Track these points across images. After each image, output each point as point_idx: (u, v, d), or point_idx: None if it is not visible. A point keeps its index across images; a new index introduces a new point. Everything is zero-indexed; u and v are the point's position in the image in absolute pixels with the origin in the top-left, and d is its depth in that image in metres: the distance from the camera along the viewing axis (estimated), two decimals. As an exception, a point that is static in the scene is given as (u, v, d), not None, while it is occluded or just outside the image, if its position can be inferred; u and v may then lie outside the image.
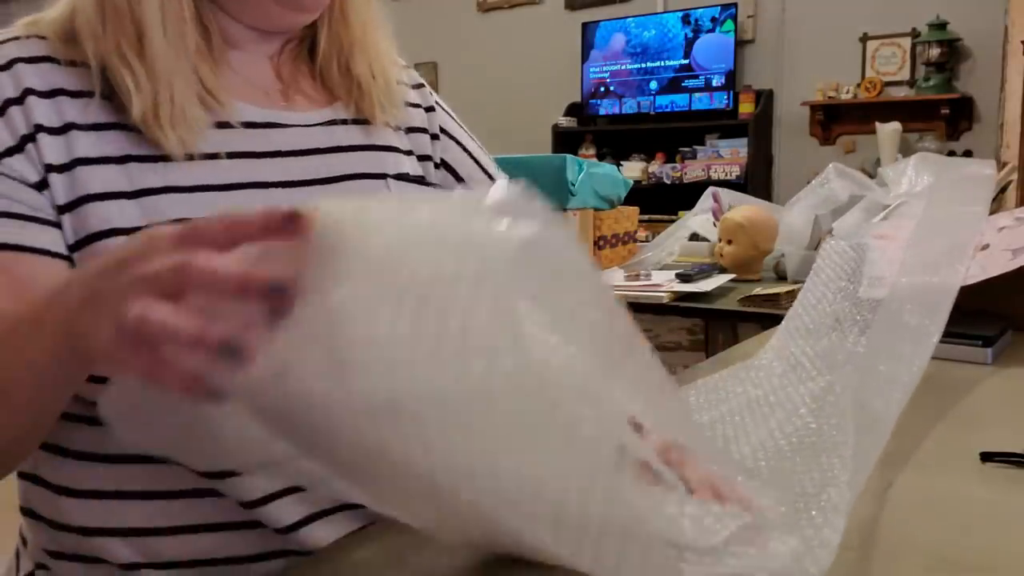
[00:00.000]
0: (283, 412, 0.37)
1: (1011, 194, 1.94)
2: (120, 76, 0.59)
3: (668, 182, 4.54)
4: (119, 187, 0.59)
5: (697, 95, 4.52)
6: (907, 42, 4.01)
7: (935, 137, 3.95)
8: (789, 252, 1.83)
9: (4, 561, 0.73)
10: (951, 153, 3.86)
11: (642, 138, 4.75)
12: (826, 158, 3.09)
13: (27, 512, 0.66)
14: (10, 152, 0.58)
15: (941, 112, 3.88)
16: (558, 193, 1.78)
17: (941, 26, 3.81)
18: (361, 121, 0.74)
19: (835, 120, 4.28)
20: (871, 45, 4.12)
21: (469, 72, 5.31)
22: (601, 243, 1.98)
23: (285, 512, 0.62)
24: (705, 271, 1.81)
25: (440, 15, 5.40)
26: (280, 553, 0.63)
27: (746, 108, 4.36)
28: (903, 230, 1.04)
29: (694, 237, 2.15)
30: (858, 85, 4.12)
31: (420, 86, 0.82)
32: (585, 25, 4.83)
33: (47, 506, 0.64)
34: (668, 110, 4.62)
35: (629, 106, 4.75)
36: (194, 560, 0.61)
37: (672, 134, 4.61)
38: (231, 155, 0.64)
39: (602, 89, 4.82)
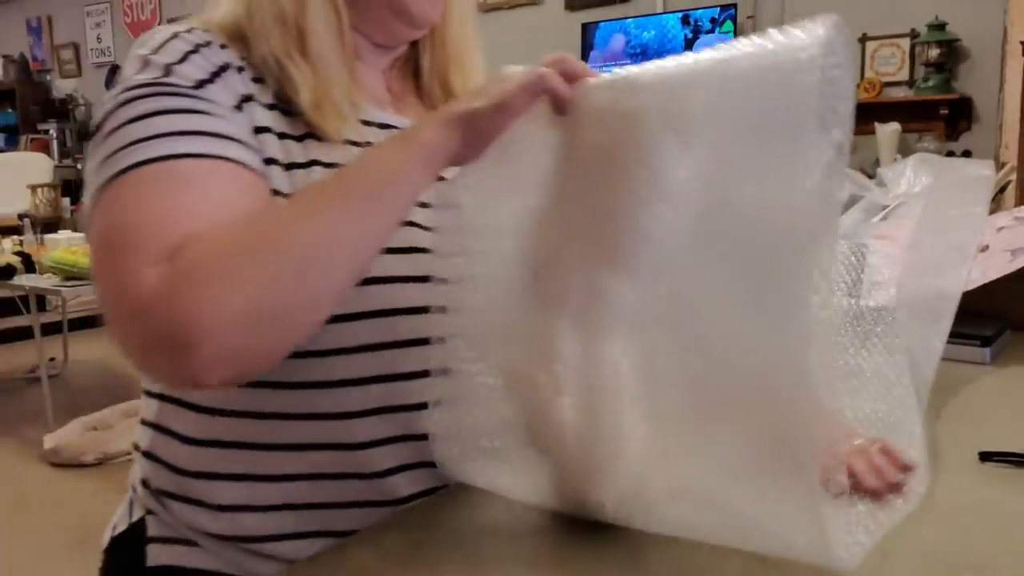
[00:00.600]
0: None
1: (1010, 194, 1.94)
2: (290, 71, 0.70)
3: (668, 182, 4.54)
4: (276, 156, 0.68)
5: (697, 95, 4.51)
6: (906, 43, 4.01)
7: (934, 137, 3.95)
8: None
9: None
10: (950, 153, 3.86)
11: (642, 138, 4.74)
12: (826, 158, 3.09)
13: (148, 455, 0.75)
14: (236, 108, 0.68)
15: (940, 112, 3.88)
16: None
17: (940, 27, 3.81)
18: None
19: (835, 120, 4.27)
20: (870, 46, 4.11)
21: (469, 73, 5.30)
22: (601, 244, 1.97)
23: (381, 459, 0.70)
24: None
25: (440, 16, 5.39)
26: (372, 503, 0.70)
27: (746, 108, 4.36)
28: (903, 230, 1.04)
29: (694, 237, 2.15)
30: (857, 85, 4.12)
31: None
32: (585, 26, 4.83)
33: (167, 450, 0.73)
34: (668, 110, 4.61)
35: (629, 106, 4.74)
36: (289, 504, 0.70)
37: (672, 134, 4.60)
38: (360, 144, 0.74)
39: (602, 89, 4.82)
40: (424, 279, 0.67)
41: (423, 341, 0.68)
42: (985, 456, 0.68)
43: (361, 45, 0.78)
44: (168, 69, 0.66)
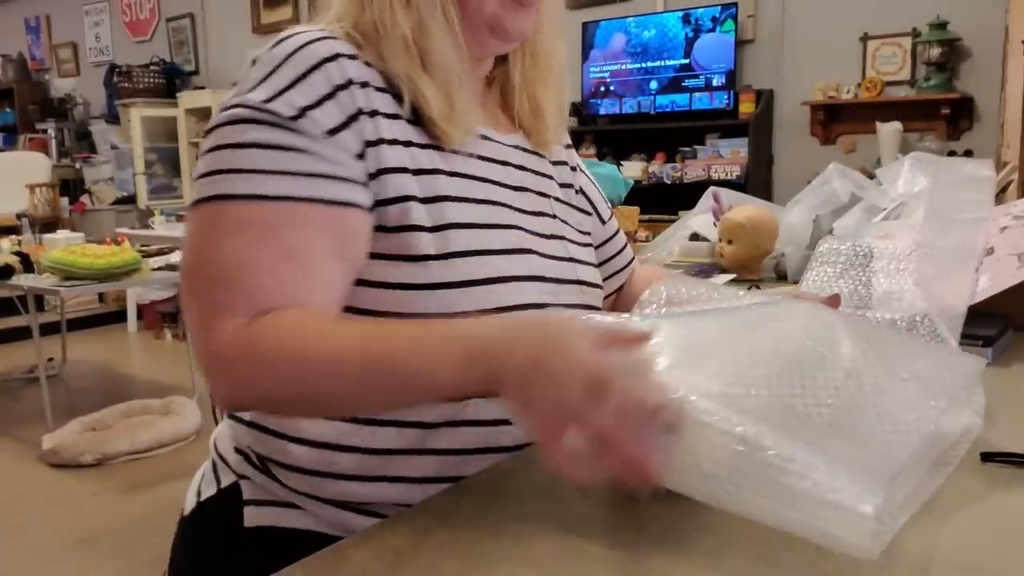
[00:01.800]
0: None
1: (1011, 194, 1.93)
2: (420, 86, 0.75)
3: (668, 182, 4.54)
4: (404, 163, 0.74)
5: (697, 95, 4.51)
6: (907, 42, 4.01)
7: (936, 137, 3.95)
8: (789, 252, 1.82)
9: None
10: (951, 153, 3.85)
11: (642, 138, 4.75)
12: (826, 158, 3.09)
13: (254, 425, 0.79)
14: (342, 128, 0.72)
15: (942, 112, 3.88)
16: (558, 193, 1.77)
17: (941, 26, 3.81)
18: (534, 152, 0.90)
19: (835, 120, 4.28)
20: (871, 45, 4.11)
21: (469, 72, 5.30)
22: (601, 243, 1.97)
23: (453, 439, 0.75)
24: (705, 271, 1.81)
25: (440, 15, 5.40)
26: (443, 479, 0.74)
27: (746, 108, 4.36)
28: (906, 230, 1.04)
29: (694, 237, 2.14)
30: (858, 85, 4.12)
31: (570, 147, 1.00)
32: (585, 25, 4.83)
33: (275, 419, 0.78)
34: (668, 110, 4.61)
35: (629, 106, 4.75)
36: (366, 476, 0.75)
37: (672, 134, 4.61)
38: (477, 156, 0.82)
39: (602, 89, 4.82)
40: (534, 278, 0.78)
41: None
42: (987, 457, 0.68)
43: (462, 61, 0.80)
44: (302, 112, 0.70)
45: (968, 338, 0.94)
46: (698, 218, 2.19)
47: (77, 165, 7.48)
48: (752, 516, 0.53)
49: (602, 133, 4.92)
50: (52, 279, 3.45)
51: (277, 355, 0.64)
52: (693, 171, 4.46)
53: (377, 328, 0.67)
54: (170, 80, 7.12)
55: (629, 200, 2.14)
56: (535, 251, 0.81)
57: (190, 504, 0.84)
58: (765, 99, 4.37)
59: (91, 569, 2.40)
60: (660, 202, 4.14)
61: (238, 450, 0.81)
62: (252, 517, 0.78)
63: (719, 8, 4.37)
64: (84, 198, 6.80)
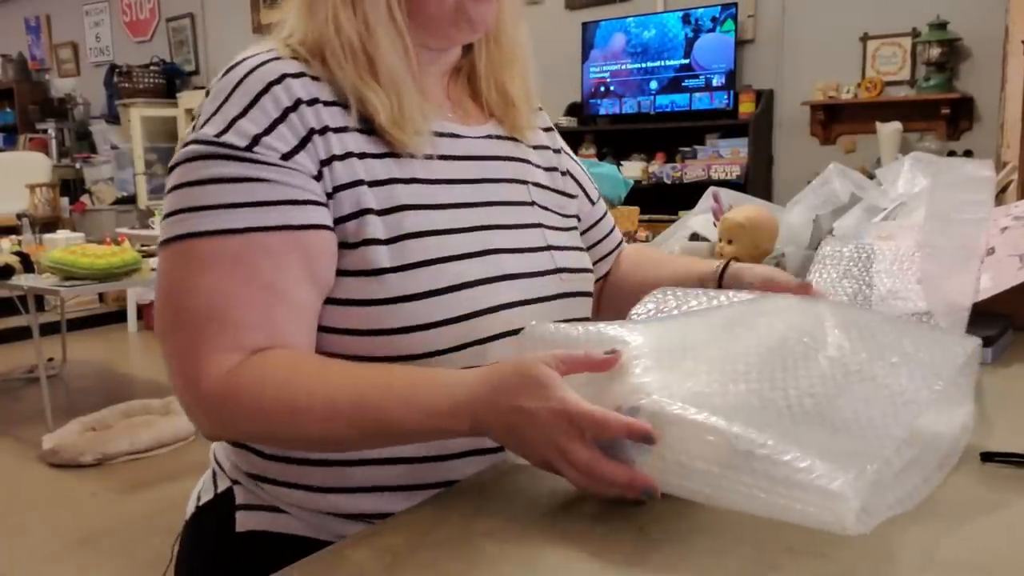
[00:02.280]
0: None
1: (1012, 194, 1.93)
2: (367, 95, 0.74)
3: (668, 182, 4.54)
4: (359, 176, 0.74)
5: (697, 95, 4.51)
6: (907, 42, 4.01)
7: (936, 137, 3.95)
8: (789, 252, 1.82)
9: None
10: (951, 153, 3.85)
11: (642, 138, 4.75)
12: (826, 158, 3.08)
13: (237, 444, 0.80)
14: (296, 151, 0.72)
15: (942, 112, 3.88)
16: (558, 193, 1.77)
17: (941, 26, 3.81)
18: (508, 138, 0.89)
19: (835, 120, 4.28)
20: (871, 45, 4.11)
21: (469, 72, 5.30)
22: (601, 243, 1.97)
23: (430, 446, 0.74)
24: (705, 271, 1.80)
25: (440, 15, 5.40)
26: (425, 486, 0.75)
27: (746, 108, 4.36)
28: (906, 230, 1.03)
29: (694, 237, 2.14)
30: (858, 85, 4.12)
31: (549, 129, 0.98)
32: (585, 25, 4.83)
33: (261, 467, 0.79)
34: (668, 110, 4.61)
35: (629, 106, 4.75)
36: (377, 487, 0.75)
37: (672, 134, 4.61)
38: (438, 157, 0.80)
39: (602, 89, 4.82)
40: (504, 278, 0.78)
41: (505, 335, 0.76)
42: (987, 457, 0.67)
43: (421, 55, 0.80)
44: (255, 140, 0.71)
45: (968, 338, 0.94)
46: (698, 218, 2.18)
47: (77, 165, 7.48)
48: (737, 507, 0.55)
49: (602, 133, 4.91)
50: (52, 279, 3.44)
51: (266, 403, 0.67)
52: (693, 171, 4.46)
53: (366, 378, 0.69)
54: (170, 80, 7.12)
55: (629, 200, 2.14)
56: (505, 249, 0.80)
57: (190, 509, 0.85)
58: (765, 99, 4.37)
59: (91, 569, 2.40)
60: (660, 202, 4.13)
61: (232, 463, 0.83)
62: (244, 522, 0.79)
63: (719, 8, 4.37)
64: (84, 198, 6.80)
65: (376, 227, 0.73)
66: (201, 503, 0.84)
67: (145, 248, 4.11)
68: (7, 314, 4.79)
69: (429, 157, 0.79)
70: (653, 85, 4.66)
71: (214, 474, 0.85)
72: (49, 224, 5.62)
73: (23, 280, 3.52)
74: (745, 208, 1.90)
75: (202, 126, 0.72)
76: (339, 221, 0.73)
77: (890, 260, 1.00)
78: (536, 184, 0.89)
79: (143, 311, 5.53)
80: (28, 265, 3.60)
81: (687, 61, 4.52)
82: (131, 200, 6.68)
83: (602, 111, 4.85)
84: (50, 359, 4.26)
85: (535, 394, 0.60)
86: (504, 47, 0.88)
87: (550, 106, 4.22)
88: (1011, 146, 3.42)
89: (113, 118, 7.38)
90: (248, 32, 6.64)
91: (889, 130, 3.88)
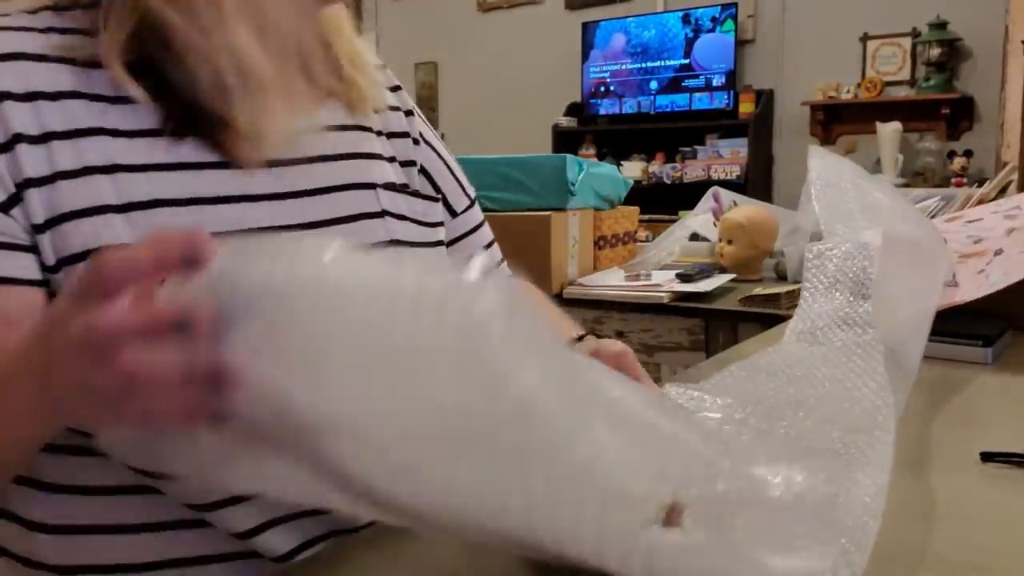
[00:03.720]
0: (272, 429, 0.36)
1: (1011, 194, 1.94)
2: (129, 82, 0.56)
3: (668, 182, 4.54)
4: (106, 201, 0.54)
5: (697, 95, 4.52)
6: (907, 42, 4.01)
7: (936, 137, 3.95)
8: (789, 252, 1.82)
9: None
10: (952, 152, 3.86)
11: (642, 138, 4.75)
12: (826, 158, 3.09)
13: None
14: None
15: (942, 112, 3.88)
16: (558, 193, 1.78)
17: (941, 26, 3.81)
18: (351, 127, 0.70)
19: (835, 120, 4.28)
20: (871, 45, 4.11)
21: (469, 72, 5.31)
22: (601, 243, 1.98)
23: (277, 541, 0.58)
24: (705, 271, 1.81)
25: (440, 15, 5.40)
26: (237, 554, 0.59)
27: (746, 108, 4.36)
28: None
29: (694, 237, 2.15)
30: (858, 85, 4.12)
31: (397, 88, 0.78)
32: (585, 25, 4.83)
33: (20, 543, 0.59)
34: (668, 110, 4.62)
35: (629, 106, 4.75)
36: (138, 564, 0.57)
37: (672, 134, 4.61)
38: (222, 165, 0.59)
39: (602, 89, 4.82)
40: None
41: None
42: (987, 457, 0.67)
43: None
44: None
45: (968, 338, 0.94)
46: (698, 218, 2.19)
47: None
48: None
49: (602, 133, 4.92)
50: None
51: None
52: (693, 171, 4.46)
53: None
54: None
55: (629, 200, 2.14)
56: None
57: None
58: (765, 99, 4.37)
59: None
60: (660, 202, 4.13)
61: None
62: None
63: (719, 8, 4.37)
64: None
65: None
66: None
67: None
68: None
69: (245, 171, 0.59)
70: (653, 85, 4.66)
71: None
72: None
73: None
74: (745, 208, 1.91)
75: None
76: (66, 262, 0.53)
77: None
78: (387, 186, 0.69)
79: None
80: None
81: (687, 61, 4.52)
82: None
83: (602, 111, 4.85)
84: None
85: (59, 317, 0.39)
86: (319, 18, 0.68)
87: (550, 106, 4.23)
88: (1011, 146, 3.42)
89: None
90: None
91: (889, 130, 3.88)
